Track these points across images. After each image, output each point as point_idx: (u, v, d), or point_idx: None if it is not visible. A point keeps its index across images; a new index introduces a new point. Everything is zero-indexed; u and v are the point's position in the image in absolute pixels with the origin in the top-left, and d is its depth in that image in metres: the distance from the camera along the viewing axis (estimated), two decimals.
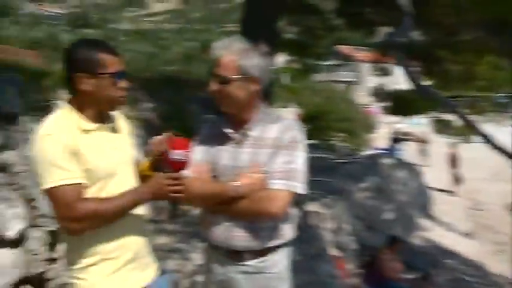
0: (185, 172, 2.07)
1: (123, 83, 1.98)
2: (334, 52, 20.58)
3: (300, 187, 2.08)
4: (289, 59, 19.67)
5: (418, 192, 12.07)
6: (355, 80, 51.79)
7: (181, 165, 1.98)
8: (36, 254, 3.00)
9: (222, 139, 2.18)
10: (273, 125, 2.15)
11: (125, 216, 1.93)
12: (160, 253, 5.07)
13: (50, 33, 17.89)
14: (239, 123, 2.17)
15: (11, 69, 4.10)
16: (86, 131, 1.93)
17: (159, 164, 2.07)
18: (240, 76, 2.06)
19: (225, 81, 2.06)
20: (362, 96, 42.99)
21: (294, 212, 2.23)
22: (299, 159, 2.10)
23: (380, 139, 22.98)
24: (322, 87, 25.32)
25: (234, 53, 2.06)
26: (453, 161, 16.57)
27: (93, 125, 1.96)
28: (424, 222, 11.40)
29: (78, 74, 1.89)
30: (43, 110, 4.59)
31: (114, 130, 2.06)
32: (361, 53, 39.41)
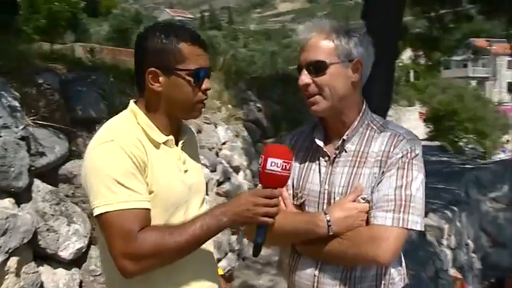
0: (281, 190, 1.53)
1: (206, 84, 1.52)
2: (466, 45, 19.03)
3: (417, 222, 1.50)
4: (415, 54, 18.56)
5: None
6: (489, 75, 47.52)
7: (277, 179, 1.43)
8: (97, 275, 2.73)
9: (311, 154, 1.67)
10: (378, 134, 1.59)
11: (197, 257, 1.48)
12: None
13: None
14: (335, 131, 1.62)
15: (98, 69, 3.90)
16: (154, 144, 1.50)
17: None
18: (340, 60, 1.53)
19: (320, 67, 1.53)
20: (497, 94, 39.33)
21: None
22: (416, 183, 1.51)
23: None
24: (451, 84, 23.49)
25: (327, 32, 1.55)
26: None
27: (163, 137, 1.52)
28: None
29: (149, 68, 1.47)
30: None
31: (184, 147, 1.60)
32: (497, 46, 36.11)
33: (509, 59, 39.41)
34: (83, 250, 2.71)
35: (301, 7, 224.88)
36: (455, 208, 7.24)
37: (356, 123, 1.59)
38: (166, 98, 1.50)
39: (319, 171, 1.62)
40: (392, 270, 1.60)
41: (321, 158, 1.62)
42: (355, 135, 1.59)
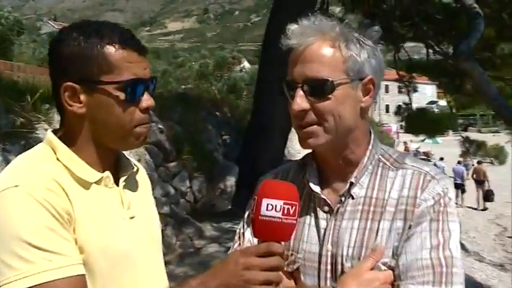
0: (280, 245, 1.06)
1: (147, 101, 1.15)
2: None
3: None
4: None
5: None
6: None
7: (277, 229, 1.03)
8: None
9: (303, 203, 1.21)
10: (394, 172, 1.19)
11: None
12: None
13: None
14: (336, 171, 1.22)
15: None
16: (83, 184, 1.12)
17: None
18: (349, 78, 1.13)
19: (324, 88, 1.12)
20: (377, 115, 42.54)
21: None
22: (454, 239, 1.12)
23: None
24: None
25: (333, 38, 1.13)
26: (481, 177, 16.38)
27: (95, 175, 1.14)
28: None
29: (65, 83, 1.10)
30: (20, 139, 3.99)
31: (128, 185, 1.24)
32: None
33: (387, 83, 42.75)
34: None
35: (191, 27, 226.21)
36: None
37: (366, 160, 1.19)
38: (92, 123, 1.14)
39: (317, 226, 1.20)
40: None
41: (318, 209, 1.21)
42: (363, 176, 1.19)
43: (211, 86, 18.26)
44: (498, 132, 26.92)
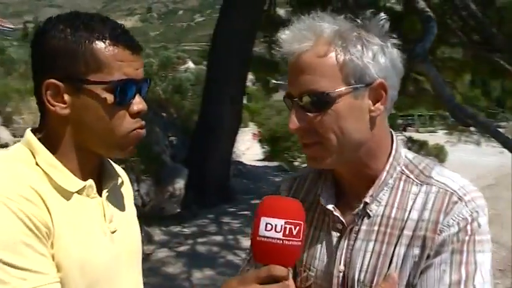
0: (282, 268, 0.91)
1: (138, 104, 1.04)
2: None
3: None
4: (254, 78, 19.26)
5: None
6: None
7: (278, 252, 0.90)
8: None
9: (317, 216, 1.14)
10: (418, 188, 1.05)
11: None
12: None
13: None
14: (352, 187, 1.11)
15: None
16: (64, 194, 1.01)
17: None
18: (351, 86, 0.98)
19: (321, 102, 0.98)
20: None
21: None
22: (481, 273, 0.96)
23: None
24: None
25: (327, 41, 0.98)
26: None
27: (77, 183, 1.03)
28: None
29: (47, 80, 0.99)
30: None
31: (111, 196, 1.12)
32: None
33: None
34: None
35: (134, 26, 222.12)
36: None
37: (384, 174, 1.05)
38: (77, 126, 1.02)
39: (330, 244, 1.10)
40: None
41: (331, 224, 1.10)
42: (382, 192, 1.06)
43: (155, 86, 17.92)
44: (435, 132, 28.08)
